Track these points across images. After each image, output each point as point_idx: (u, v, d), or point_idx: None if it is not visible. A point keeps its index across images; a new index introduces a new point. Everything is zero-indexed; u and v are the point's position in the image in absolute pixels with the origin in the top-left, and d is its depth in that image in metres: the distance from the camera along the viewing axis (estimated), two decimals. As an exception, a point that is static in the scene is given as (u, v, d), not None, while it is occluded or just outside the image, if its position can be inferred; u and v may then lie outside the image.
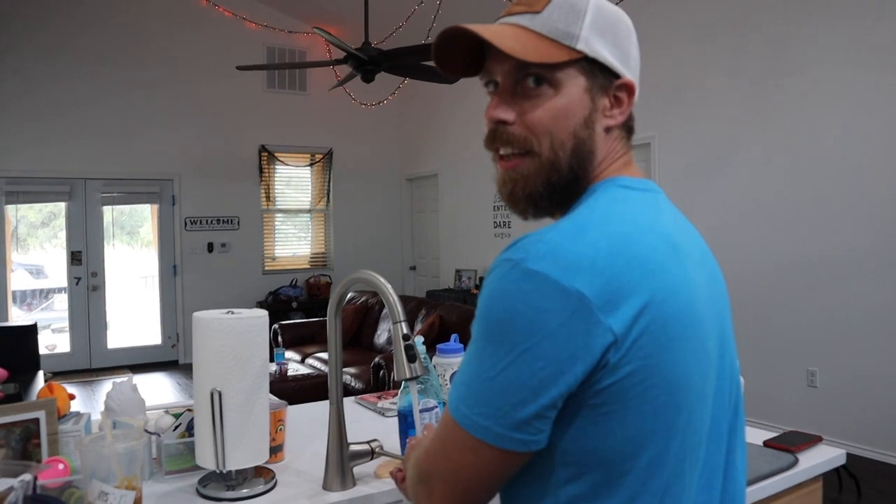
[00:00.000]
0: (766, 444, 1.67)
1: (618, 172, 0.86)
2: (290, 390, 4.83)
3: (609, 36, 0.83)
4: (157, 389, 6.94)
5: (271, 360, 5.71)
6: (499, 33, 0.81)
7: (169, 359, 8.24)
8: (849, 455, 1.96)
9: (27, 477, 0.98)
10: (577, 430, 0.73)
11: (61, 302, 7.86)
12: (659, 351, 0.72)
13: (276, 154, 8.73)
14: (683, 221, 0.87)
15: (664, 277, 0.74)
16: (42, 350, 5.47)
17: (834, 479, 3.86)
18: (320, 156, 9.04)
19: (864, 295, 4.37)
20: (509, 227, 7.56)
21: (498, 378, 0.72)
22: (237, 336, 1.29)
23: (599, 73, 0.83)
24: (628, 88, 0.85)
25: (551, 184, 0.83)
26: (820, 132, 4.57)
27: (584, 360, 0.70)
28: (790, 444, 1.64)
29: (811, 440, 1.67)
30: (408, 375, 1.19)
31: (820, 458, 1.61)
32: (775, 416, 4.73)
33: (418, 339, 1.36)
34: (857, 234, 4.39)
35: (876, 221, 4.29)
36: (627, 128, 0.88)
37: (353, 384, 5.13)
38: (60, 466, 1.23)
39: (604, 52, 0.82)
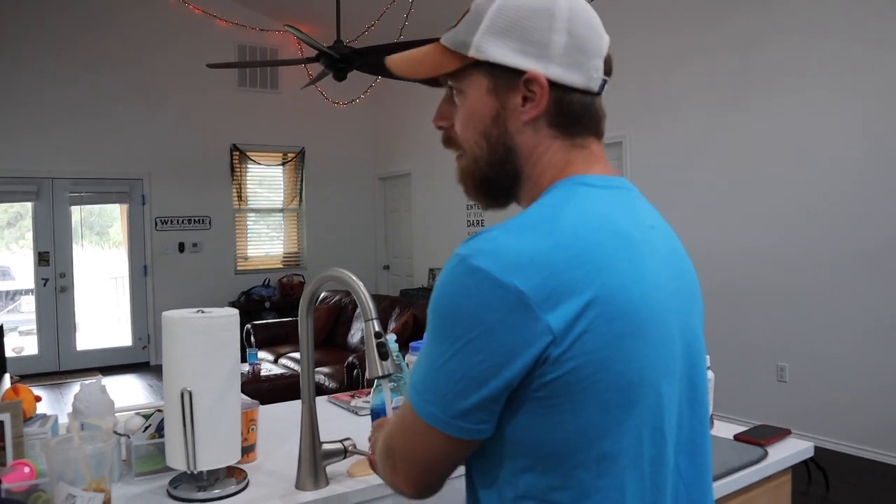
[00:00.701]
0: (737, 437, 1.69)
1: (576, 170, 0.86)
2: (264, 390, 4.79)
3: (514, 33, 0.83)
4: (128, 391, 6.85)
5: (244, 360, 5.67)
6: (402, 57, 0.92)
7: (140, 360, 8.14)
8: (817, 448, 1.99)
9: (-9, 480, 0.96)
10: (524, 421, 0.75)
11: (28, 304, 7.73)
12: (605, 346, 0.73)
13: (247, 153, 8.66)
14: (654, 217, 0.87)
15: (613, 274, 0.75)
16: (8, 353, 5.36)
17: (803, 472, 3.92)
18: (293, 155, 8.99)
19: (833, 290, 4.44)
20: (483, 226, 7.58)
21: (443, 368, 0.75)
22: (208, 335, 1.28)
23: (501, 74, 0.84)
24: (537, 81, 0.83)
25: (484, 179, 0.89)
26: (788, 128, 4.64)
27: (523, 355, 0.72)
28: (760, 437, 1.66)
29: (780, 434, 1.69)
30: (380, 373, 1.19)
31: (789, 451, 1.63)
32: (745, 411, 4.79)
33: (391, 337, 1.36)
34: (827, 231, 4.46)
35: (846, 218, 4.36)
36: (563, 121, 0.86)
37: (326, 384, 5.11)
38: (26, 470, 1.20)
39: (498, 53, 0.84)
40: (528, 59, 0.83)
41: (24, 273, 7.72)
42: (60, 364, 7.69)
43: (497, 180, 0.89)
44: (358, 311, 6.30)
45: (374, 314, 1.19)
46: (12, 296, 7.92)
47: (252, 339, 6.51)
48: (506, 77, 0.84)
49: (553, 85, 0.83)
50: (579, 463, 0.75)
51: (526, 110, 0.85)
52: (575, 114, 0.86)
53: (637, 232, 0.81)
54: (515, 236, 0.76)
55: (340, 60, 4.89)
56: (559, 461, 0.75)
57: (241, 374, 5.15)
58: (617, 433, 0.75)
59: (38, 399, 1.43)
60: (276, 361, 5.98)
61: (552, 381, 0.73)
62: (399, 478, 0.84)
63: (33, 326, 7.66)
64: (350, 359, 5.04)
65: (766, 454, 1.58)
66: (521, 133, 0.86)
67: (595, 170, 0.87)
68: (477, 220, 7.66)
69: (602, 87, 0.86)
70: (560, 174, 0.86)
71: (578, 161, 0.87)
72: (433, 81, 0.93)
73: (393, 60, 0.93)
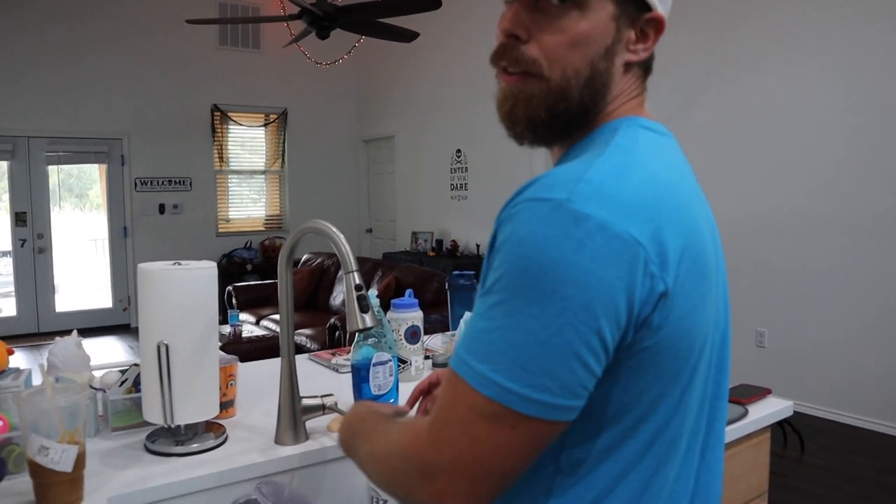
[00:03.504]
0: (718, 396, 1.69)
1: (633, 112, 0.80)
2: (245, 352, 4.78)
3: None
4: (108, 352, 6.82)
5: (225, 321, 5.65)
6: None
7: (120, 322, 8.09)
8: (794, 413, 2.00)
9: (-39, 431, 0.94)
10: (602, 388, 0.68)
11: (6, 266, 7.63)
12: (691, 313, 0.68)
13: (229, 114, 8.54)
14: (691, 171, 0.83)
15: (695, 231, 0.70)
16: (-14, 313, 5.31)
17: (779, 435, 3.97)
18: (275, 116, 8.87)
19: (813, 257, 4.48)
20: (466, 190, 7.54)
21: (552, 342, 0.62)
22: (184, 287, 1.25)
23: (631, 2, 0.76)
24: (658, 23, 0.77)
25: (556, 112, 0.76)
26: (773, 98, 4.62)
27: (640, 315, 0.64)
28: (741, 396, 1.67)
29: (760, 393, 1.70)
30: (360, 326, 1.17)
31: (768, 410, 1.64)
32: (725, 375, 4.83)
33: (372, 292, 1.34)
34: (807, 197, 4.48)
35: (825, 184, 4.38)
36: (646, 67, 0.82)
37: (308, 345, 5.10)
38: (0, 423, 1.18)
39: None
40: None
41: (0, 235, 7.61)
42: (39, 325, 7.63)
43: (576, 118, 0.77)
44: (339, 273, 6.28)
45: (354, 266, 1.17)
46: (-11, 257, 7.81)
47: (234, 300, 6.48)
48: (633, 8, 0.76)
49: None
50: (627, 427, 0.70)
51: (636, 50, 0.78)
52: (653, 62, 0.81)
53: (695, 187, 0.78)
54: (617, 178, 0.67)
55: (323, 18, 4.80)
56: (608, 425, 0.69)
57: (223, 335, 5.13)
58: (663, 400, 0.70)
59: (10, 352, 1.40)
60: (257, 323, 5.96)
61: (647, 348, 0.67)
62: (453, 499, 0.66)
63: (11, 288, 7.57)
64: (332, 320, 5.03)
65: (746, 412, 1.59)
66: (618, 70, 0.78)
67: (644, 112, 0.81)
68: (461, 184, 7.62)
69: None
70: (614, 117, 0.79)
71: (637, 104, 0.81)
72: None
73: None
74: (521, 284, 0.63)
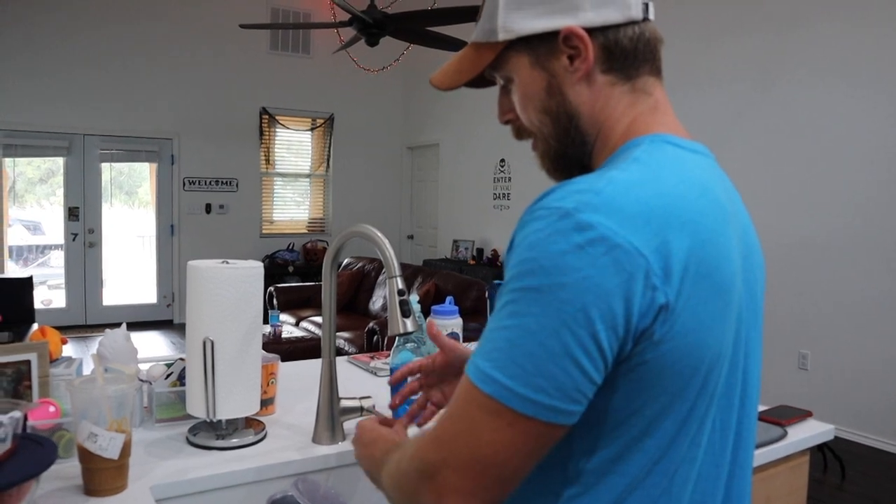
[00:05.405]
0: (758, 416, 1.67)
1: (656, 126, 0.80)
2: (284, 352, 4.83)
3: None
4: (151, 347, 6.96)
5: (266, 321, 5.73)
6: (441, 72, 0.90)
7: (164, 318, 8.26)
8: (836, 438, 1.97)
9: (17, 414, 0.98)
10: (602, 398, 0.69)
11: (57, 259, 7.86)
12: (697, 328, 0.68)
13: (276, 117, 8.67)
14: (733, 191, 0.82)
15: (713, 248, 0.70)
16: (37, 305, 5.46)
17: (819, 460, 3.89)
18: (321, 121, 8.99)
19: (858, 279, 4.38)
20: (509, 199, 7.54)
21: (549, 343, 0.64)
22: (232, 286, 1.29)
23: (537, 44, 0.80)
24: (574, 35, 0.78)
25: (558, 156, 0.84)
26: (820, 112, 4.54)
27: (638, 324, 0.65)
28: (780, 417, 1.65)
29: (801, 415, 1.68)
30: (401, 330, 1.18)
31: (809, 433, 1.62)
32: (766, 397, 4.68)
33: (413, 298, 1.35)
34: (852, 219, 4.39)
35: (874, 206, 4.28)
36: (623, 59, 0.80)
37: (346, 348, 5.15)
38: (51, 409, 1.22)
39: (526, 25, 0.80)
40: (557, 17, 0.78)
41: (53, 229, 7.84)
42: (87, 318, 7.83)
43: (569, 153, 0.83)
44: (380, 278, 6.32)
45: (397, 271, 1.19)
46: (42, 250, 8.04)
47: (274, 301, 6.57)
48: (543, 45, 0.80)
49: (592, 32, 0.78)
50: (631, 439, 0.70)
51: (575, 68, 0.79)
52: (625, 50, 0.79)
53: (728, 205, 0.77)
54: (625, 191, 0.68)
55: (373, 25, 4.86)
56: (612, 435, 0.70)
57: (263, 334, 5.20)
58: (675, 417, 0.71)
59: (64, 341, 1.45)
60: (297, 324, 6.03)
61: (647, 362, 0.67)
62: (452, 497, 0.68)
63: (62, 280, 7.80)
64: (371, 325, 5.07)
65: (785, 434, 1.57)
66: (578, 94, 0.80)
67: (671, 126, 0.81)
68: (503, 194, 7.62)
69: (646, 10, 0.79)
70: (632, 127, 0.80)
71: (646, 111, 0.81)
72: (482, 82, 0.90)
73: (435, 79, 0.91)
74: (524, 286, 0.66)
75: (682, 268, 0.67)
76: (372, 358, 2.04)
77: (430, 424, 1.08)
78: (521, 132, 0.88)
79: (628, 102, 0.81)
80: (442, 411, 0.75)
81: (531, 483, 0.73)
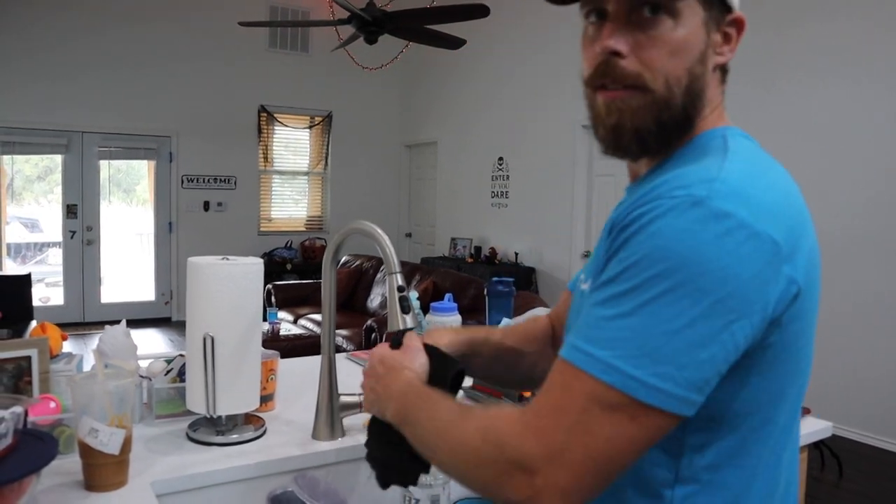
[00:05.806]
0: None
1: (723, 122, 0.82)
2: (282, 349, 4.78)
3: None
4: (150, 344, 6.96)
5: (264, 319, 5.73)
6: None
7: (162, 315, 8.25)
8: (833, 435, 1.97)
9: (17, 409, 0.98)
10: (727, 388, 0.68)
11: (55, 256, 7.85)
12: (810, 310, 0.71)
13: (275, 115, 8.67)
14: None
15: (814, 237, 0.74)
16: (35, 302, 5.46)
17: (817, 458, 3.90)
18: (320, 119, 8.98)
19: (856, 277, 4.39)
20: (507, 198, 7.54)
21: (684, 332, 0.61)
22: (232, 282, 1.29)
23: (716, 5, 0.77)
24: (739, 24, 0.79)
25: (662, 122, 0.76)
26: (821, 111, 4.55)
27: (771, 314, 0.65)
28: (777, 414, 1.65)
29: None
30: (401, 327, 1.19)
31: (806, 430, 1.62)
32: (762, 395, 4.76)
33: (413, 295, 1.36)
34: (852, 218, 4.39)
35: (870, 203, 4.29)
36: (725, 70, 0.83)
37: (344, 346, 5.15)
38: (52, 405, 1.23)
39: None
40: None
41: (51, 226, 7.83)
42: (85, 315, 7.83)
43: (680, 125, 0.78)
44: (378, 276, 6.33)
45: (397, 268, 1.19)
46: (40, 247, 8.03)
47: (272, 298, 6.57)
48: (717, 11, 0.78)
49: None
50: (750, 429, 0.70)
51: (723, 52, 0.79)
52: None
53: None
54: (751, 180, 0.68)
55: (372, 23, 4.85)
56: (732, 427, 0.70)
57: (261, 331, 5.21)
58: (784, 398, 0.72)
59: (64, 337, 1.45)
60: (295, 322, 6.04)
61: (771, 345, 0.68)
62: (552, 495, 0.63)
63: (60, 278, 7.79)
64: (369, 322, 5.07)
65: (782, 431, 1.57)
66: (710, 76, 0.79)
67: (727, 121, 0.83)
68: (501, 192, 7.62)
69: None
70: (715, 119, 0.81)
71: (722, 109, 0.83)
72: None
73: None
74: (654, 274, 0.63)
75: (806, 257, 0.69)
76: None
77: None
78: (615, 73, 0.76)
79: (721, 103, 0.83)
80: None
81: (628, 482, 0.70)
